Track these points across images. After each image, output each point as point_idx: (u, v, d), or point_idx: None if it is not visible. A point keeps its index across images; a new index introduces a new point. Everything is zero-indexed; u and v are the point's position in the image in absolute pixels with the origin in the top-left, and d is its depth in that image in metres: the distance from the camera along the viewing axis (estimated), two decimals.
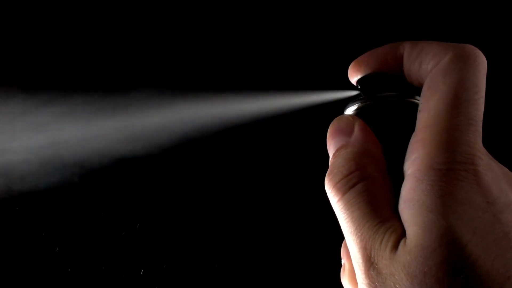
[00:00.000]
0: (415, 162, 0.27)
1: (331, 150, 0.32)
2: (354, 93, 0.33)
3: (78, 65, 0.68)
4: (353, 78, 0.33)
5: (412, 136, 0.29)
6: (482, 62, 0.28)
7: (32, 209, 0.68)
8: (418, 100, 0.30)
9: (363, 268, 0.27)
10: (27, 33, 0.69)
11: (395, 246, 0.26)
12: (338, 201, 0.29)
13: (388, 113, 0.31)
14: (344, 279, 0.33)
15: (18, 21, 0.68)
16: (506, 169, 0.29)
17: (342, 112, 0.33)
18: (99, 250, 0.69)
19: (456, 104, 0.27)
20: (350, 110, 0.32)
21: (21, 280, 0.68)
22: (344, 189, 0.29)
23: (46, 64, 0.68)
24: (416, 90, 0.31)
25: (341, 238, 0.30)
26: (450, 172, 0.26)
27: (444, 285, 0.25)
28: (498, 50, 0.63)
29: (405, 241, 0.26)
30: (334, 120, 0.32)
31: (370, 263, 0.27)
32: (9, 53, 0.68)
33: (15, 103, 0.63)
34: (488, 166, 0.27)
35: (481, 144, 0.27)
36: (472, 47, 0.28)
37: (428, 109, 0.28)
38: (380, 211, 0.28)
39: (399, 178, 0.28)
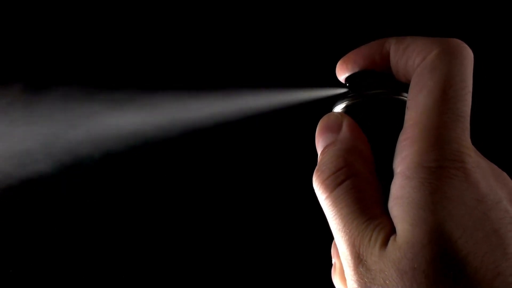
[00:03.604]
0: (404, 160, 0.27)
1: (319, 147, 0.32)
2: (342, 90, 0.33)
3: (74, 62, 0.68)
4: (341, 76, 0.33)
5: (401, 133, 0.29)
6: (468, 56, 0.28)
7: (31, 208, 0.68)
8: (406, 97, 0.30)
9: (352, 265, 0.27)
10: (26, 33, 0.68)
11: (385, 243, 0.26)
12: (326, 198, 0.29)
13: (376, 110, 0.31)
14: (335, 278, 0.33)
15: (18, 21, 0.68)
16: (494, 166, 0.29)
17: (330, 110, 0.33)
18: (98, 251, 0.68)
19: (443, 101, 0.27)
20: (338, 108, 0.32)
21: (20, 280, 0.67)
22: (332, 186, 0.29)
23: (44, 61, 0.68)
24: (404, 87, 0.31)
25: (331, 237, 0.30)
26: (439, 170, 0.26)
27: (433, 281, 0.25)
28: (488, 45, 0.63)
29: (395, 238, 0.26)
30: (322, 117, 0.32)
31: (359, 260, 0.27)
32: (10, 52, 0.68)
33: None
34: (477, 163, 0.27)
35: (469, 140, 0.27)
36: (458, 41, 0.28)
37: (416, 106, 0.28)
38: (368, 208, 0.28)
39: (388, 175, 0.28)
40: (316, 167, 0.30)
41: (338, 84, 0.34)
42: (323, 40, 0.65)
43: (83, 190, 0.68)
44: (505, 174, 0.29)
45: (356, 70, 0.32)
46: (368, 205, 0.28)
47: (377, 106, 0.31)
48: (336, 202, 0.28)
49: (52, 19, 0.68)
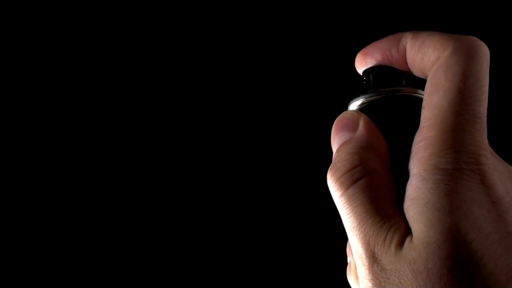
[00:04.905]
0: (420, 162, 0.27)
1: (335, 145, 0.31)
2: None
3: (77, 65, 0.69)
4: (359, 69, 0.33)
5: (417, 134, 0.28)
6: (484, 55, 0.28)
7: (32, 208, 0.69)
8: (422, 95, 0.30)
9: (366, 264, 0.27)
10: (27, 33, 0.69)
11: (400, 244, 0.26)
12: (341, 196, 0.29)
13: (393, 108, 0.31)
14: (350, 277, 0.33)
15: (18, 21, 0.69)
16: (511, 168, 0.29)
17: (346, 106, 0.33)
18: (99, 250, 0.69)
19: (460, 101, 0.27)
20: (354, 105, 0.32)
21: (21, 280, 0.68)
22: (347, 184, 0.29)
23: (47, 63, 0.69)
24: (421, 83, 0.30)
25: (346, 236, 0.30)
26: (455, 172, 0.26)
27: (447, 281, 0.24)
28: (502, 43, 0.62)
29: (411, 239, 0.26)
30: (339, 115, 0.32)
31: (373, 259, 0.27)
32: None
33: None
34: (493, 165, 0.27)
35: (486, 142, 0.27)
36: (474, 38, 0.28)
37: (432, 106, 0.28)
38: (383, 207, 0.28)
39: (403, 175, 0.28)
40: (331, 164, 0.30)
41: (353, 78, 0.34)
42: (342, 33, 0.65)
43: (83, 189, 0.69)
44: None
45: (374, 63, 0.32)
46: (383, 204, 0.28)
47: (394, 104, 0.31)
48: (351, 200, 0.28)
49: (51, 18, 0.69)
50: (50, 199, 0.69)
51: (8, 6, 0.67)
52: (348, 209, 0.28)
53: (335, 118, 0.32)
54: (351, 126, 0.31)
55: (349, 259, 0.34)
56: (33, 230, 0.69)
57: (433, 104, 0.28)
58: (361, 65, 0.33)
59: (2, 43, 0.68)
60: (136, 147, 0.68)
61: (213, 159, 0.68)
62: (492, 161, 0.27)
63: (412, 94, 0.31)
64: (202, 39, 0.68)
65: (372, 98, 0.31)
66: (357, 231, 0.28)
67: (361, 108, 0.32)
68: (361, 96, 0.32)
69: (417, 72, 0.31)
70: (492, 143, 0.28)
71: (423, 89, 0.30)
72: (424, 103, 0.28)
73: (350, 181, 0.29)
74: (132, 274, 0.69)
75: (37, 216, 0.69)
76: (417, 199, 0.27)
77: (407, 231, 0.27)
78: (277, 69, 0.64)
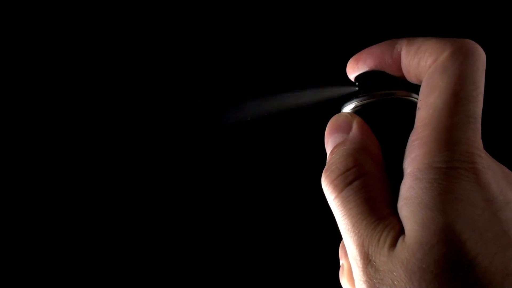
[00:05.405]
0: (414, 161, 0.27)
1: (328, 147, 0.32)
2: (351, 89, 0.33)
3: (81, 65, 0.69)
4: (351, 75, 0.33)
5: (411, 134, 0.28)
6: (480, 57, 0.28)
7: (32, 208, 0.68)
8: (416, 98, 0.30)
9: (360, 265, 0.27)
10: (29, 33, 0.69)
11: (393, 244, 0.26)
12: (335, 198, 0.29)
13: (387, 111, 0.31)
14: (343, 279, 0.33)
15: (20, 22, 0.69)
16: (505, 168, 0.29)
17: (339, 110, 0.33)
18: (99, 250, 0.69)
19: (455, 102, 0.27)
20: (348, 108, 0.32)
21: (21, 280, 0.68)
22: (341, 186, 0.29)
23: (48, 63, 0.69)
24: (415, 88, 0.31)
25: (339, 238, 0.30)
26: (449, 171, 0.26)
27: (442, 282, 0.24)
28: (498, 46, 0.63)
29: (403, 238, 0.26)
30: (332, 117, 0.32)
31: (368, 261, 0.27)
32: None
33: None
34: (487, 164, 0.27)
35: (480, 142, 0.27)
36: (470, 41, 0.28)
37: (427, 106, 0.28)
38: (377, 208, 0.28)
39: (398, 175, 0.28)
40: (325, 167, 0.30)
41: (347, 83, 0.34)
42: (332, 38, 0.65)
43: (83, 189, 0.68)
44: None
45: (366, 69, 0.32)
46: (378, 206, 0.28)
47: (388, 106, 0.31)
48: (345, 202, 0.28)
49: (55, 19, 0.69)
50: (49, 199, 0.69)
51: (8, 6, 0.67)
52: (343, 211, 0.28)
53: (328, 121, 0.32)
54: (345, 128, 0.31)
55: (341, 262, 0.34)
56: (33, 230, 0.68)
57: (428, 104, 0.28)
58: (353, 70, 0.33)
59: (2, 43, 0.67)
60: (134, 146, 0.68)
61: (209, 161, 0.68)
62: (486, 160, 0.27)
63: (406, 97, 0.31)
64: (200, 40, 0.68)
65: (365, 101, 0.32)
66: (351, 233, 0.28)
67: (355, 111, 0.32)
68: (355, 100, 0.32)
69: (412, 78, 0.31)
70: (489, 144, 0.28)
71: (417, 93, 0.30)
72: (419, 104, 0.29)
73: (344, 183, 0.29)
74: (132, 274, 0.68)
75: (36, 216, 0.68)
76: (411, 198, 0.27)
77: (401, 231, 0.26)
78: (272, 72, 0.64)
